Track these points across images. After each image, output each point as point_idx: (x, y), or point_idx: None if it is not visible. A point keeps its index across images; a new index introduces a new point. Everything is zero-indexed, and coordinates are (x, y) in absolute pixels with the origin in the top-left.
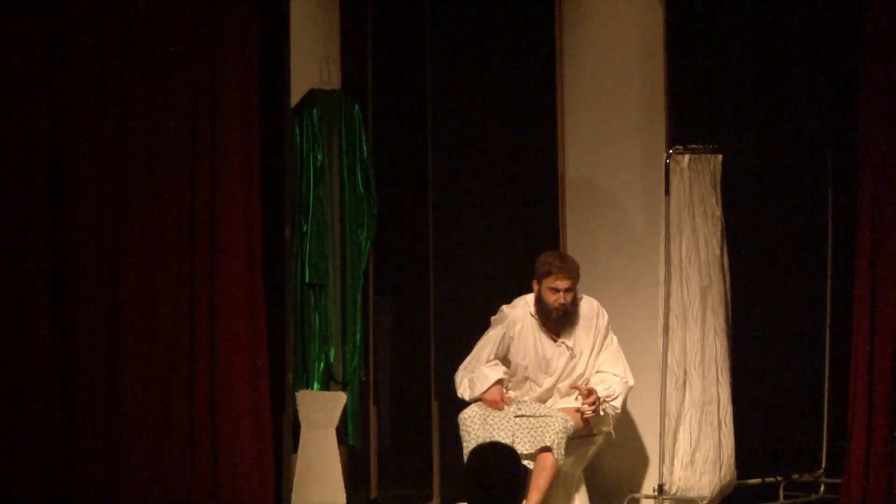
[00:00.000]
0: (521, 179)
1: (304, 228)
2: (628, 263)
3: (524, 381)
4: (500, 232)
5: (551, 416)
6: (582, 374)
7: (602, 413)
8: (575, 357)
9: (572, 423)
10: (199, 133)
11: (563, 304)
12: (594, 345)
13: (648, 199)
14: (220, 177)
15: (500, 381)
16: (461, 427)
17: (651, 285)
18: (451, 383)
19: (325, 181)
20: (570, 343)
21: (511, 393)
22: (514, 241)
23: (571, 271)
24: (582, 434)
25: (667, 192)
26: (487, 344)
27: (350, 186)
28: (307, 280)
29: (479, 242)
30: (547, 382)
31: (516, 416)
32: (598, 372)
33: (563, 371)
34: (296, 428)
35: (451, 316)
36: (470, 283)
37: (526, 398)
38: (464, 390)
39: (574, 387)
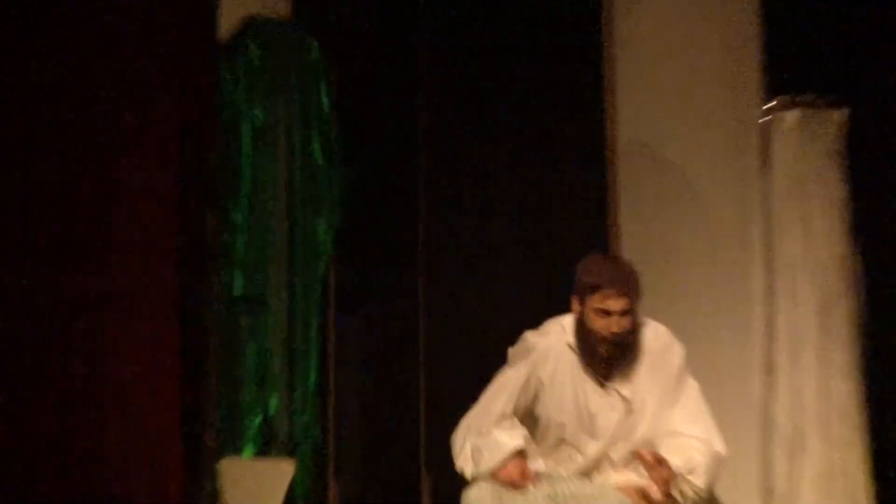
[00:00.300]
0: (550, 147)
1: (236, 217)
2: (709, 271)
3: (559, 446)
4: (521, 225)
5: (603, 497)
6: (646, 437)
7: (678, 495)
8: (634, 412)
9: (629, 500)
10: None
11: (618, 334)
12: (664, 393)
13: (738, 176)
14: (111, 142)
15: (520, 453)
16: None
17: (743, 302)
18: (448, 448)
19: (267, 149)
20: (625, 391)
21: (539, 464)
22: (542, 239)
23: (629, 285)
24: None
25: (765, 164)
26: (503, 391)
27: (304, 157)
28: (239, 293)
29: (492, 240)
30: (593, 449)
31: (548, 498)
32: (670, 434)
33: (616, 433)
34: None
35: (449, 345)
36: (478, 298)
37: (562, 472)
38: (465, 461)
39: (636, 455)
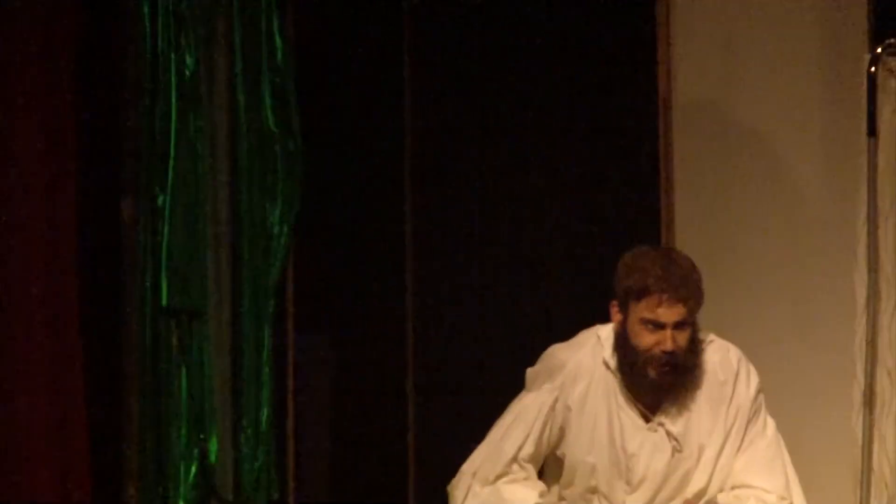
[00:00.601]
0: (585, 110)
1: (161, 202)
2: (793, 273)
3: (590, 497)
4: (544, 212)
5: None
6: (703, 490)
7: None
8: (685, 457)
9: None
10: None
11: (672, 354)
12: (729, 434)
13: (833, 146)
14: None
15: None
16: None
17: (839, 315)
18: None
19: (200, 111)
20: (676, 428)
21: None
22: (575, 232)
23: (688, 288)
24: None
25: (870, 131)
26: (519, 424)
27: (251, 121)
28: (165, 303)
29: (505, 232)
30: (632, 502)
31: None
32: (734, 488)
33: (660, 483)
34: None
35: (448, 372)
36: (484, 305)
37: None
38: None
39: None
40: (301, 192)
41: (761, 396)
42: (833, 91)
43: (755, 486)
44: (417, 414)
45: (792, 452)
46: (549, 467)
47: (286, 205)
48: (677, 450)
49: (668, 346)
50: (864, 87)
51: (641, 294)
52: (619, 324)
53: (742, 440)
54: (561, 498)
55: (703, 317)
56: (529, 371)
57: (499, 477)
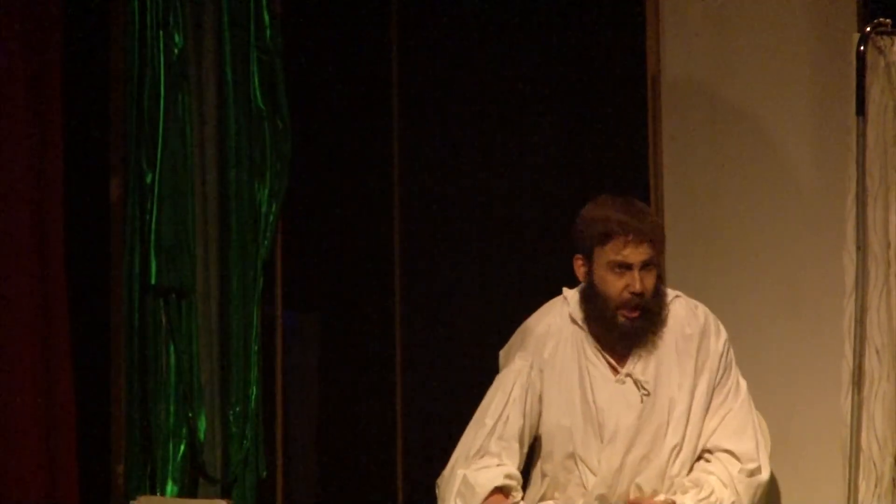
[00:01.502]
0: (574, 89)
1: (149, 180)
2: (785, 251)
3: (570, 467)
4: (533, 191)
5: None
6: (678, 446)
7: None
8: (656, 408)
9: None
10: None
11: (641, 296)
12: (696, 387)
13: (823, 127)
14: None
15: (501, 490)
16: None
17: (829, 294)
18: (432, 487)
19: (188, 89)
20: (643, 378)
21: None
22: (563, 208)
23: (651, 229)
24: None
25: (859, 111)
26: (496, 396)
27: (239, 100)
28: (153, 281)
29: (495, 208)
30: (606, 462)
31: None
32: (705, 451)
33: (633, 434)
34: None
35: (436, 351)
36: (476, 284)
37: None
38: None
39: (631, 502)
40: (289, 171)
41: (731, 352)
42: (822, 70)
43: (725, 448)
44: (405, 391)
45: (780, 432)
46: (536, 453)
47: (274, 183)
48: (645, 394)
49: (637, 286)
50: (853, 66)
51: (606, 238)
52: (585, 276)
53: (712, 397)
54: (544, 475)
55: (691, 295)
56: (502, 351)
57: (478, 452)
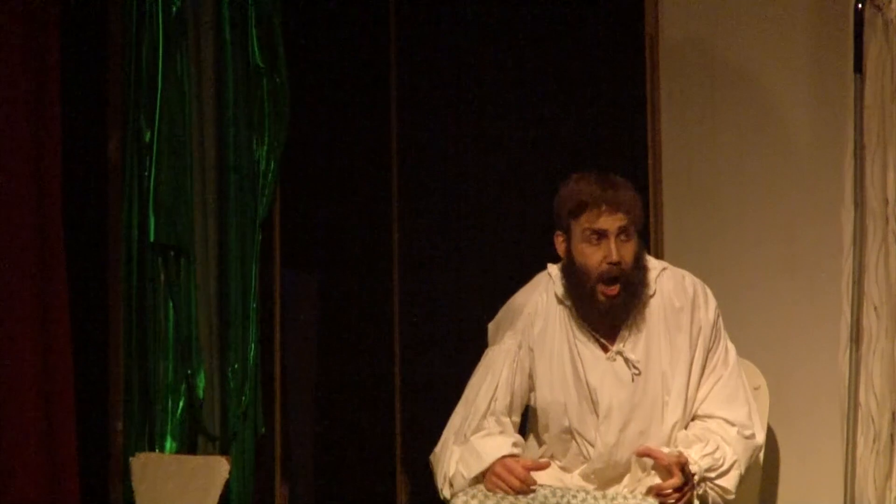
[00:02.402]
0: (572, 49)
1: (148, 138)
2: (783, 209)
3: (567, 440)
4: (530, 151)
5: None
6: (679, 421)
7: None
8: (649, 382)
9: None
10: None
11: (618, 265)
12: (693, 361)
13: (820, 83)
14: None
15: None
16: None
17: (827, 252)
18: (431, 440)
19: (187, 47)
20: (633, 354)
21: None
22: (559, 171)
23: (625, 198)
24: None
25: (857, 68)
26: (487, 377)
27: (237, 58)
28: (152, 239)
29: (493, 168)
30: (603, 438)
31: None
32: (696, 418)
33: (629, 410)
34: None
35: (433, 304)
36: (476, 241)
37: (576, 479)
38: (442, 483)
39: (642, 453)
40: (287, 129)
41: (720, 321)
42: (820, 28)
43: (719, 416)
44: (404, 348)
45: (779, 390)
46: (530, 421)
47: (273, 141)
48: (636, 374)
49: (614, 256)
50: (851, 23)
51: (580, 209)
52: (565, 252)
53: (704, 366)
54: (542, 443)
55: (690, 256)
56: (491, 324)
57: (475, 433)
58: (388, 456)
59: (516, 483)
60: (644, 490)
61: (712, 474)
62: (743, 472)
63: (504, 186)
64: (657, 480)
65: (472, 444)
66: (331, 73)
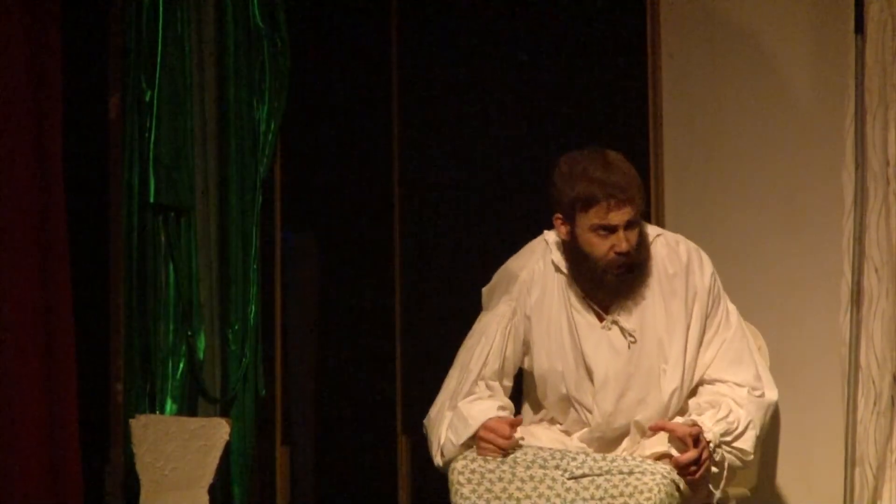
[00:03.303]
0: (570, 13)
1: (148, 98)
2: (784, 170)
3: (565, 406)
4: (528, 111)
5: (643, 474)
6: (678, 388)
7: (718, 471)
8: (644, 350)
9: (682, 480)
10: None
11: (627, 255)
12: (689, 327)
13: (820, 44)
14: None
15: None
16: (453, 489)
17: (828, 213)
18: (429, 401)
19: (187, 7)
20: (628, 324)
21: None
22: (558, 139)
23: (632, 189)
24: (702, 499)
25: (858, 29)
26: (480, 342)
27: (238, 18)
28: (152, 200)
29: (493, 122)
30: (600, 406)
31: (570, 479)
32: (704, 383)
33: (625, 379)
34: (131, 488)
35: (435, 270)
36: (473, 200)
37: (577, 443)
38: (435, 450)
39: (655, 428)
40: (288, 90)
41: (718, 284)
42: None
43: (726, 380)
44: (404, 309)
45: (779, 351)
46: (526, 386)
47: (273, 102)
48: (632, 342)
49: (623, 247)
50: None
51: (589, 204)
52: (566, 235)
53: (704, 331)
54: (541, 408)
55: (691, 218)
56: (485, 289)
57: (466, 396)
58: (389, 418)
59: (502, 442)
60: (643, 452)
61: (728, 438)
62: (759, 432)
63: (506, 146)
64: (655, 441)
65: (460, 409)
66: (332, 34)
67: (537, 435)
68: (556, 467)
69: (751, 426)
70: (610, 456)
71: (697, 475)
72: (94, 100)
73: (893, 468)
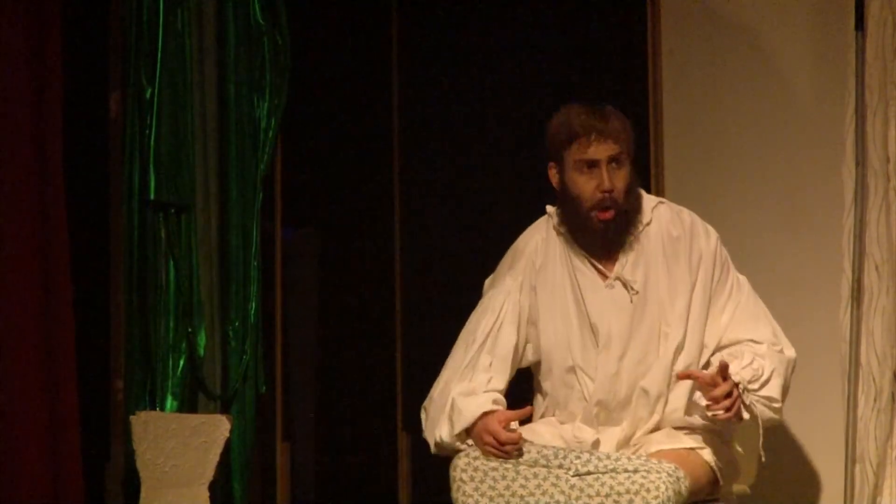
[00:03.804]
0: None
1: (148, 95)
2: (785, 166)
3: (568, 381)
4: (528, 94)
5: (648, 472)
6: (681, 345)
7: (748, 417)
8: (647, 309)
9: (687, 479)
10: None
11: (611, 193)
12: (694, 287)
13: (821, 40)
14: None
15: (489, 414)
16: (454, 486)
17: (828, 209)
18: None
19: (188, 4)
20: (631, 277)
21: (547, 421)
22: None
23: (615, 126)
24: (704, 498)
25: (858, 25)
26: (486, 313)
27: (238, 15)
28: (153, 197)
29: (492, 116)
30: (604, 367)
31: (574, 477)
32: (723, 347)
33: (628, 336)
34: (131, 484)
35: (433, 259)
36: (473, 197)
37: (577, 427)
38: (430, 436)
39: (683, 375)
40: (288, 86)
41: (725, 252)
42: None
43: (744, 338)
44: (405, 305)
45: None
46: (536, 383)
47: (273, 98)
48: (634, 294)
49: (606, 184)
50: None
51: (571, 139)
52: (559, 183)
53: (711, 298)
54: (544, 394)
55: (691, 211)
56: (487, 280)
57: (469, 366)
58: (390, 414)
59: (498, 441)
60: (649, 449)
61: (755, 385)
62: (784, 382)
63: (505, 142)
64: (658, 439)
65: (456, 402)
66: (332, 30)
67: (540, 432)
68: (560, 466)
69: (775, 374)
70: (615, 455)
71: (732, 410)
72: (94, 97)
73: (894, 465)
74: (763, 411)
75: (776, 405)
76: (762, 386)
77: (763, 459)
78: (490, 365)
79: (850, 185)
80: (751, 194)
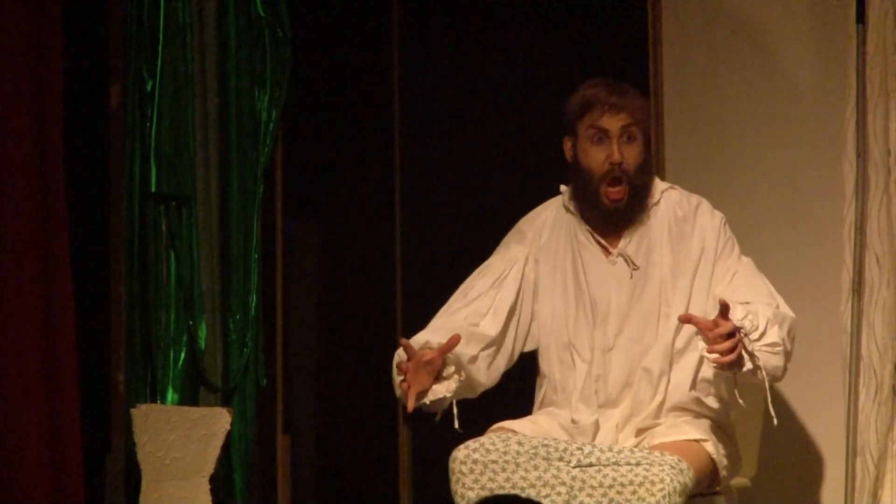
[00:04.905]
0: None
1: (149, 88)
2: (785, 158)
3: (565, 359)
4: (529, 91)
5: (651, 465)
6: (679, 335)
7: (750, 367)
8: (647, 286)
9: (691, 471)
10: None
11: (620, 166)
12: (698, 265)
13: (822, 33)
14: None
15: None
16: (454, 478)
17: (829, 202)
18: None
19: None
20: (633, 253)
21: (549, 414)
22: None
23: (629, 99)
24: (704, 490)
25: (859, 17)
26: (486, 273)
27: (239, 7)
28: (153, 189)
29: (494, 102)
30: (600, 343)
31: (575, 468)
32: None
33: (626, 311)
34: (132, 477)
35: (435, 251)
36: (474, 188)
37: (574, 411)
38: (396, 386)
39: (684, 318)
40: (289, 79)
41: (730, 232)
42: None
43: (738, 301)
44: (406, 297)
45: None
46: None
47: (275, 91)
48: (635, 269)
49: (616, 156)
50: None
51: (585, 109)
52: (572, 156)
53: (714, 271)
54: (543, 376)
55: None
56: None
57: (460, 308)
58: (391, 408)
59: (404, 367)
60: (651, 441)
61: (755, 335)
62: (782, 333)
63: (508, 132)
64: (661, 432)
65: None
66: (333, 22)
67: (540, 423)
68: (561, 458)
69: (770, 323)
70: (616, 447)
71: (735, 353)
72: (95, 89)
73: (895, 458)
74: (767, 359)
75: (777, 349)
76: (761, 336)
77: (775, 422)
78: (485, 296)
79: (851, 177)
80: (751, 187)
